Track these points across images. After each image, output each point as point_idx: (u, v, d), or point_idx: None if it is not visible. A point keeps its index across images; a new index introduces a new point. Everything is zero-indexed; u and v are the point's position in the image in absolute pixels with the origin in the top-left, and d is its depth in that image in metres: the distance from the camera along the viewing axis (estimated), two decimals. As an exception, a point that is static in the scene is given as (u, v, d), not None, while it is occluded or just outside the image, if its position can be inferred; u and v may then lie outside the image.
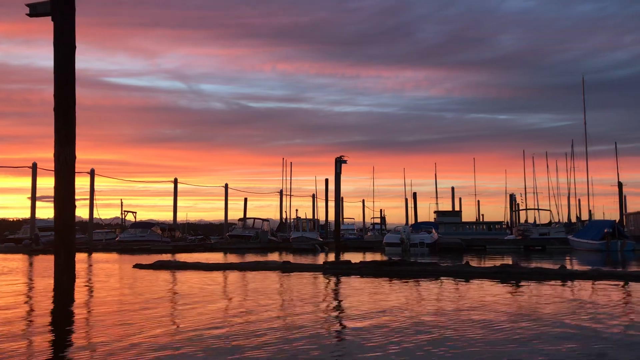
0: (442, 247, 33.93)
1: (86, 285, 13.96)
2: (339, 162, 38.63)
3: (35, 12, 14.56)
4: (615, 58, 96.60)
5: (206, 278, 15.15)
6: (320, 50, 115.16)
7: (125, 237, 40.43)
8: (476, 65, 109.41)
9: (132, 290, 12.72)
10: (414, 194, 60.06)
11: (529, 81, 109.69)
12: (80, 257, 28.76)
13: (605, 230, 28.77)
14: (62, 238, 13.82)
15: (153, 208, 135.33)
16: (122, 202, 53.28)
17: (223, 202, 50.64)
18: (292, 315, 8.75)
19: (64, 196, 13.94)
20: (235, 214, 53.16)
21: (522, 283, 13.03)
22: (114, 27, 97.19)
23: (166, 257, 27.06)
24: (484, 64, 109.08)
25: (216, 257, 27.80)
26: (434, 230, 36.82)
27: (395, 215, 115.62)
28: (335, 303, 10.49)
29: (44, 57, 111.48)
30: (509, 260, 22.22)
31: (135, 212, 51.80)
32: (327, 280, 14.51)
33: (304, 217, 56.23)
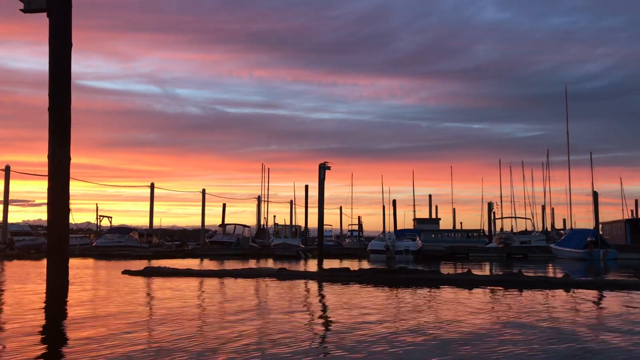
0: (426, 254, 33.98)
1: (81, 292, 13.41)
2: (323, 168, 38.40)
3: (29, 7, 14.01)
4: (587, 70, 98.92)
5: (208, 286, 14.75)
6: (297, 57, 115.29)
7: (102, 242, 39.43)
8: (451, 75, 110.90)
9: (136, 298, 12.25)
10: (394, 201, 60.18)
11: (503, 91, 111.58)
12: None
13: (588, 239, 29.15)
14: (56, 241, 13.26)
15: (126, 213, 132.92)
16: (97, 207, 52.10)
17: (196, 208, 50.28)
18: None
19: (59, 199, 13.39)
20: (210, 220, 52.36)
21: (525, 291, 12.98)
22: (89, 30, 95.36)
23: (150, 263, 26.43)
24: (458, 73, 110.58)
25: (199, 264, 27.23)
26: (417, 238, 36.84)
27: (372, 223, 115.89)
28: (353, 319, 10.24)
29: (16, 58, 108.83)
30: (504, 268, 22.23)
31: (111, 217, 50.73)
32: (331, 289, 14.23)
33: (282, 223, 55.90)
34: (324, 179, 38.78)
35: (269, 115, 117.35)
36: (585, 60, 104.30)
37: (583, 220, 48.06)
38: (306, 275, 16.92)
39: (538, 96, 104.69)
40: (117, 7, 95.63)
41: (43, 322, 8.97)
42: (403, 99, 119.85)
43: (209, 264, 27.11)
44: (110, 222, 50.38)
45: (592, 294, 12.53)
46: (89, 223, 59.06)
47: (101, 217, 50.66)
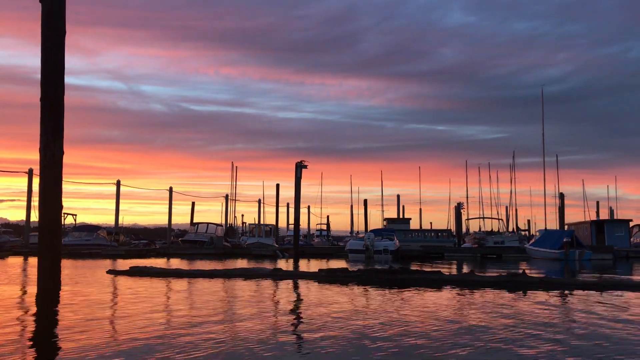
0: (403, 254, 34.07)
1: (73, 294, 12.72)
2: (300, 167, 38.00)
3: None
4: (548, 75, 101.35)
5: (206, 288, 14.21)
6: (265, 55, 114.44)
7: (69, 240, 37.94)
8: (417, 77, 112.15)
9: (138, 300, 11.67)
10: (365, 201, 60.29)
11: (467, 94, 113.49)
12: (16, 261, 26.81)
13: (565, 240, 29.69)
14: (48, 240, 12.56)
15: (87, 211, 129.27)
16: (61, 204, 50.12)
17: (158, 206, 49.34)
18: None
19: (51, 195, 12.72)
20: (175, 219, 51.00)
21: (529, 293, 12.97)
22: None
23: (121, 262, 25.56)
24: (424, 75, 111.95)
25: (175, 263, 26.47)
26: (395, 238, 36.91)
27: (339, 222, 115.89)
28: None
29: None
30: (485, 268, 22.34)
31: (76, 215, 48.90)
32: (339, 289, 13.92)
33: (251, 222, 55.23)
34: (300, 177, 38.39)
35: (236, 114, 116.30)
36: (547, 65, 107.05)
37: (543, 221, 49.07)
38: (302, 276, 16.53)
39: (501, 99, 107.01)
40: (81, 1, 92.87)
41: (51, 329, 8.36)
42: (370, 99, 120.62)
43: (181, 264, 26.31)
44: (75, 220, 48.62)
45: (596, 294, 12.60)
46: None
47: (65, 215, 48.73)
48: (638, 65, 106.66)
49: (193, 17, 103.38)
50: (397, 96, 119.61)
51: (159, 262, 25.48)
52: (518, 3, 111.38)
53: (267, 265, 25.04)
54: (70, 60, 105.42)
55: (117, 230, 44.27)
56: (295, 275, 16.55)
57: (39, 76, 12.87)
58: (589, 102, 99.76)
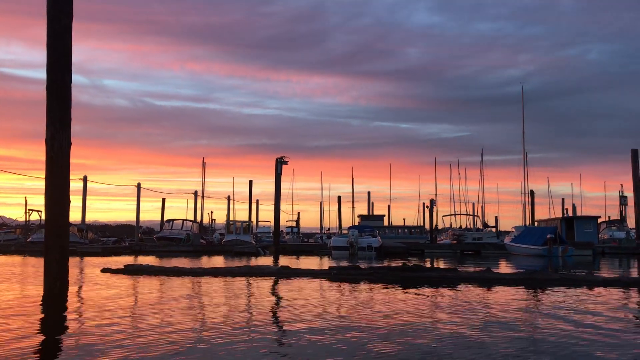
0: (386, 250, 33.96)
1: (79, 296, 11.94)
2: (280, 163, 37.55)
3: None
4: (509, 75, 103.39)
5: (218, 286, 13.64)
6: (231, 51, 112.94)
7: (39, 238, 36.27)
8: (382, 76, 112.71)
9: (166, 302, 11.02)
10: (339, 198, 60.05)
11: (431, 93, 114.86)
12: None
13: (548, 236, 30.05)
14: (56, 236, 11.74)
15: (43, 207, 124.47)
16: (26, 200, 48.10)
17: (121, 203, 47.77)
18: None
19: (58, 188, 11.88)
20: (134, 215, 48.34)
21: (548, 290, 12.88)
22: (10, 15, 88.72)
23: (105, 260, 24.59)
24: (390, 74, 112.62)
25: (151, 260, 25.52)
26: (377, 234, 36.78)
27: (308, 219, 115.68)
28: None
29: None
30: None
31: (41, 211, 46.95)
32: (353, 289, 13.52)
33: (222, 219, 54.31)
34: (280, 173, 37.94)
35: (200, 109, 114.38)
36: (509, 66, 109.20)
37: (512, 218, 50.09)
38: (311, 274, 16.04)
39: (464, 98, 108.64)
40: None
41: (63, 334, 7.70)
42: (336, 97, 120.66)
43: (161, 262, 25.37)
44: (40, 217, 46.68)
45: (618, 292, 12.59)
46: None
47: (30, 211, 46.78)
48: (597, 67, 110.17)
49: (157, 11, 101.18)
50: (362, 94, 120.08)
51: (140, 260, 24.58)
52: (482, 5, 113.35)
53: (252, 262, 24.49)
54: (29, 53, 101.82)
55: (85, 228, 42.83)
56: (304, 274, 16.04)
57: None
58: (548, 102, 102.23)
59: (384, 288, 13.15)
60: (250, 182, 57.65)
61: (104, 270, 17.01)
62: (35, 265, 21.54)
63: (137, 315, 9.00)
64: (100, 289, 12.68)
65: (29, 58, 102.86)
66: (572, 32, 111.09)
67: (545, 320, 8.59)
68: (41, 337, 7.22)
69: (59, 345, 6.69)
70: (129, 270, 16.67)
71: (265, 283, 14.21)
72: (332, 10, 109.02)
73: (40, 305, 10.29)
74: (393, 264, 18.22)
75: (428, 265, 23.48)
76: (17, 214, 73.55)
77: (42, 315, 9.20)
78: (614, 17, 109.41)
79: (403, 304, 10.34)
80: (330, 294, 12.20)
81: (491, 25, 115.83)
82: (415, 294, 12.04)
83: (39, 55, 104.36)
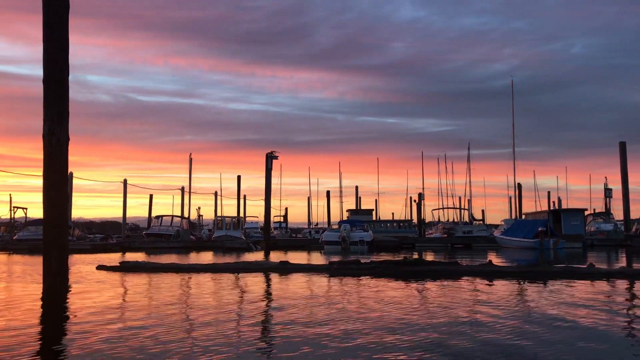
0: (378, 244, 33.96)
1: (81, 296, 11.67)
2: (270, 158, 37.15)
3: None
4: (495, 69, 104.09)
5: (222, 283, 13.44)
6: (215, 46, 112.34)
7: (26, 235, 35.86)
8: (368, 70, 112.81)
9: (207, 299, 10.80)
10: (327, 192, 59.96)
11: (416, 87, 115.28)
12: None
13: (540, 229, 30.26)
14: (55, 233, 11.50)
15: (36, 204, 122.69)
16: (11, 197, 47.43)
17: (105, 199, 47.77)
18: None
19: (56, 183, 11.63)
20: (120, 212, 47.80)
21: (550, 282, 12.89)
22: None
23: (97, 257, 24.25)
24: (375, 69, 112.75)
25: (140, 257, 25.19)
26: (369, 228, 36.75)
27: (295, 214, 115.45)
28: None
29: None
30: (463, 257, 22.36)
31: (26, 209, 46.35)
32: (356, 283, 13.40)
33: (209, 215, 53.97)
34: (271, 169, 37.55)
35: (185, 105, 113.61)
36: (494, 60, 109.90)
37: (497, 211, 50.50)
38: (311, 269, 15.90)
39: (450, 93, 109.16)
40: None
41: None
42: (321, 92, 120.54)
43: (151, 258, 25.13)
44: (25, 214, 46.05)
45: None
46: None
47: (15, 209, 46.10)
48: (580, 61, 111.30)
49: (141, 5, 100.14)
50: (348, 89, 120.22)
51: (131, 257, 24.24)
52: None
53: (244, 257, 24.31)
54: (12, 49, 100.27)
55: (73, 225, 42.27)
56: (305, 269, 15.89)
57: None
58: (532, 96, 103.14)
59: (391, 282, 13.05)
60: (239, 178, 57.34)
61: (100, 268, 16.73)
62: (27, 263, 21.14)
63: (147, 314, 8.78)
64: (102, 288, 12.41)
65: (11, 54, 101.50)
66: (555, 26, 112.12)
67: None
68: (46, 337, 7.01)
69: (68, 342, 6.48)
70: (125, 268, 16.40)
71: (271, 278, 14.06)
72: (317, 5, 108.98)
73: (40, 301, 10.05)
74: (395, 259, 18.09)
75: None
76: (1, 212, 72.46)
77: (49, 314, 8.98)
78: (598, 11, 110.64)
79: (439, 299, 10.20)
80: (342, 289, 12.07)
81: (476, 19, 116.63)
82: (445, 285, 11.96)
83: (22, 50, 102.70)
